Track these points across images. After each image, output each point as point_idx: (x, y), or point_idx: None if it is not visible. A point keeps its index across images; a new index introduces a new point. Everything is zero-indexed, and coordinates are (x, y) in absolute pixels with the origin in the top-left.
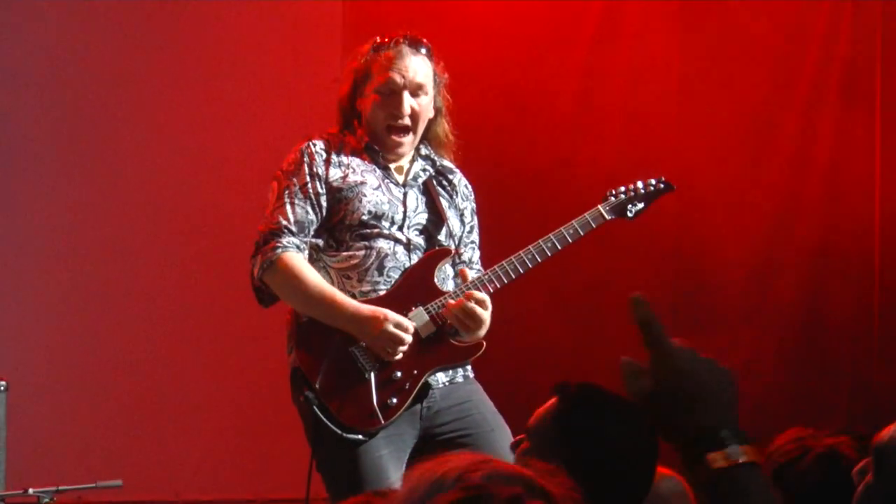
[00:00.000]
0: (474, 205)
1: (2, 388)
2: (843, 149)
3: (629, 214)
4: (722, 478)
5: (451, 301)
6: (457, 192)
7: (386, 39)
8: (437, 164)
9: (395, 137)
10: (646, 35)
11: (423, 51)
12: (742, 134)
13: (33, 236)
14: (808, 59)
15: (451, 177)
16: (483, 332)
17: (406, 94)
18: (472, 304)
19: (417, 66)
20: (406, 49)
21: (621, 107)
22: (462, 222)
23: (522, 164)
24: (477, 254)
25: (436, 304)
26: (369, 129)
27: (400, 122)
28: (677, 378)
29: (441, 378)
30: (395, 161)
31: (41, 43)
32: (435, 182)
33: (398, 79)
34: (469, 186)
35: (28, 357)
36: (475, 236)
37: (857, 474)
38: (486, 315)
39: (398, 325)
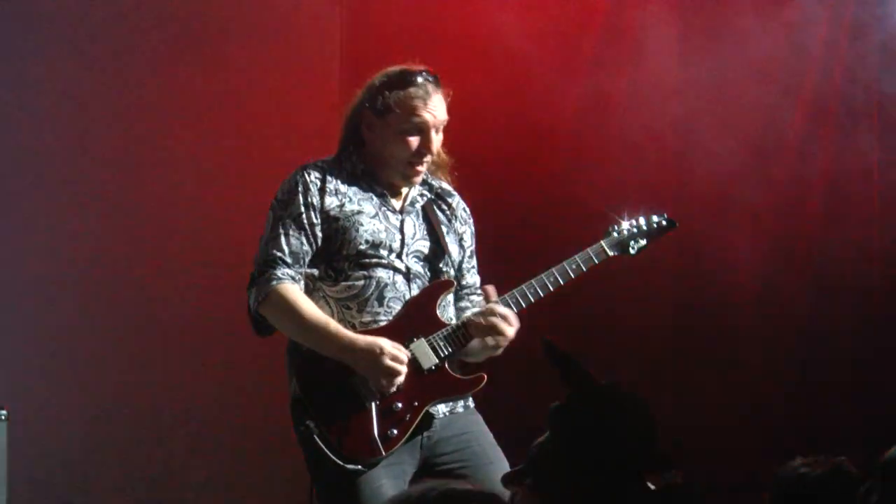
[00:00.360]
0: (473, 228)
1: (2, 417)
2: (843, 170)
3: (631, 251)
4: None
5: (476, 316)
6: (455, 216)
7: (407, 74)
8: (436, 187)
9: (417, 168)
10: (646, 58)
11: (439, 83)
12: (742, 155)
13: (35, 263)
14: (808, 81)
15: (449, 200)
16: (500, 350)
17: (433, 133)
18: (497, 319)
19: (440, 104)
20: (431, 88)
21: (623, 130)
22: (461, 247)
23: (524, 188)
24: (477, 278)
25: (438, 335)
26: (378, 158)
27: (426, 158)
28: (599, 417)
29: (441, 408)
30: (394, 188)
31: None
32: (434, 206)
33: (429, 118)
34: (467, 210)
35: (29, 386)
36: (475, 260)
37: (864, 495)
38: (510, 331)
39: (394, 358)
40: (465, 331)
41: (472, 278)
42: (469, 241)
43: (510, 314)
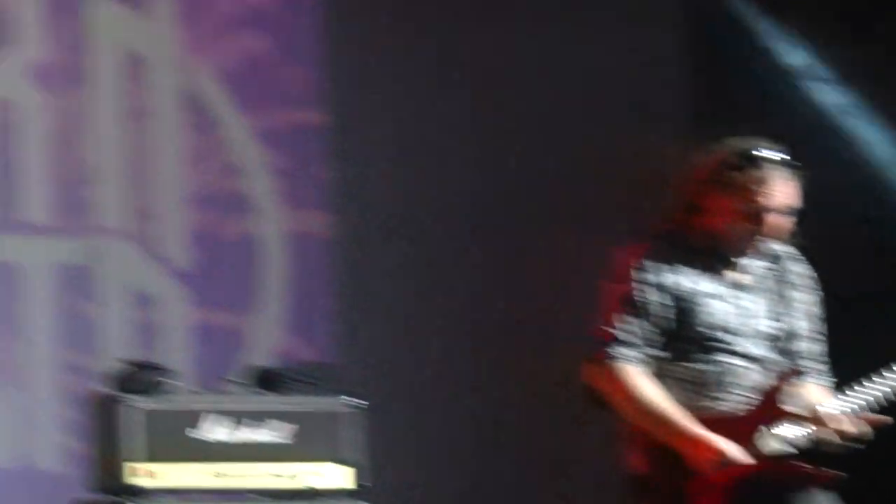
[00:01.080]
0: (819, 295)
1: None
2: None
3: None
4: None
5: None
6: (799, 285)
7: (759, 154)
8: (776, 254)
9: (758, 243)
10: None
11: (793, 166)
12: None
13: None
14: None
15: (792, 266)
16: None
17: (780, 218)
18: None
19: (792, 188)
20: (783, 172)
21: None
22: (807, 319)
23: None
24: (820, 346)
25: (784, 426)
26: (717, 234)
27: (773, 238)
28: None
29: None
30: (731, 263)
31: None
32: (777, 278)
33: (777, 204)
34: (811, 275)
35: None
36: (820, 328)
37: None
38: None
39: (731, 464)
40: (812, 434)
41: (816, 346)
42: (815, 309)
43: (847, 427)
